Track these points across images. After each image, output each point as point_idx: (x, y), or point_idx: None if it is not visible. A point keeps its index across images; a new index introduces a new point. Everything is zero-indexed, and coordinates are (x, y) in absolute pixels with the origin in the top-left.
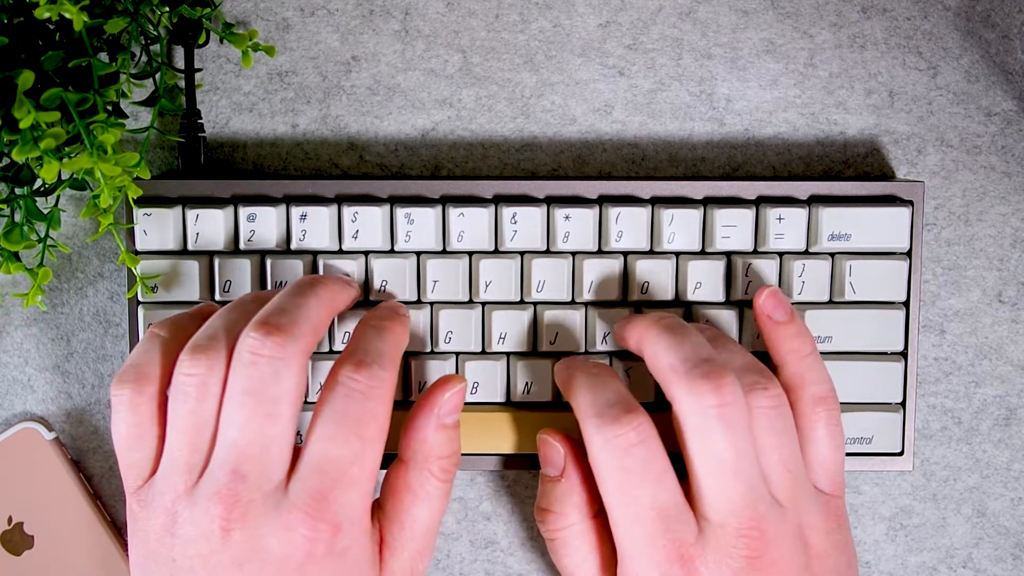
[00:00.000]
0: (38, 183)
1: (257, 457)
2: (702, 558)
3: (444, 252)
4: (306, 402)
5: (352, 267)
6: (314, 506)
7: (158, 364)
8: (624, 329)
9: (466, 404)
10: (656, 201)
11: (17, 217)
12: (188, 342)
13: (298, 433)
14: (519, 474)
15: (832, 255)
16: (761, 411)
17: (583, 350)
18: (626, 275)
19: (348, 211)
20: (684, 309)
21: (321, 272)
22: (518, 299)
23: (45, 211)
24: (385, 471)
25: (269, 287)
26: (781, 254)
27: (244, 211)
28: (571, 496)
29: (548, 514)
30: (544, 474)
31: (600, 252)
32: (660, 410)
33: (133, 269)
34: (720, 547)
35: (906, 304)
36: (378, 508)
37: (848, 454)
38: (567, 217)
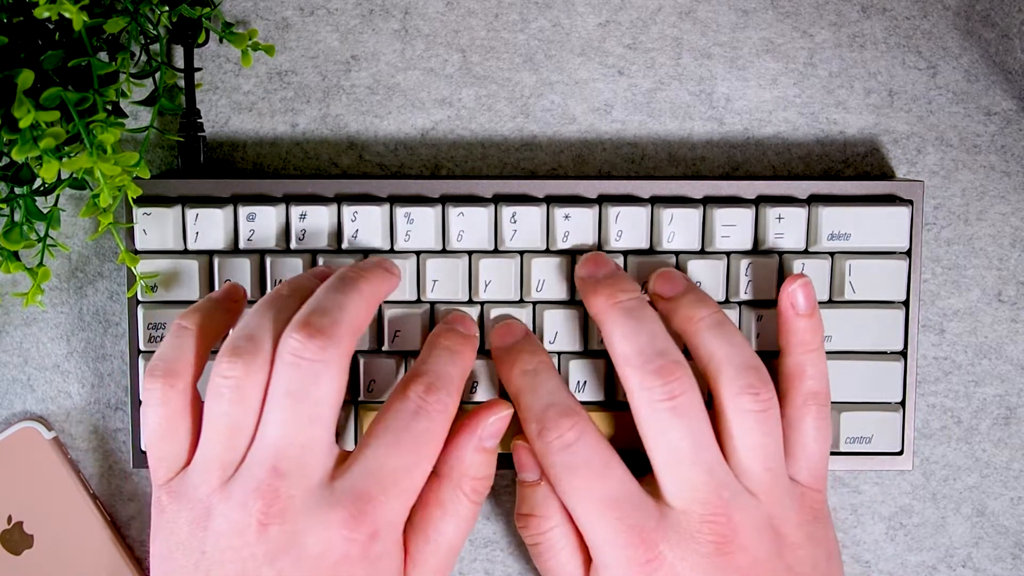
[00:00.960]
0: (38, 182)
1: (297, 457)
2: (666, 542)
3: (444, 251)
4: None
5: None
6: (357, 509)
7: (188, 357)
8: (585, 292)
9: (466, 404)
10: (656, 200)
11: (17, 216)
12: (226, 340)
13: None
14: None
15: (832, 255)
16: (749, 414)
17: (581, 350)
18: None
19: (348, 210)
20: None
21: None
22: (518, 298)
23: (45, 210)
24: None
25: (268, 287)
26: (781, 253)
27: (244, 210)
28: (551, 499)
29: (531, 519)
30: (522, 480)
31: (600, 252)
32: None
33: (133, 268)
34: (684, 532)
35: (906, 303)
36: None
37: (847, 453)
38: (567, 216)
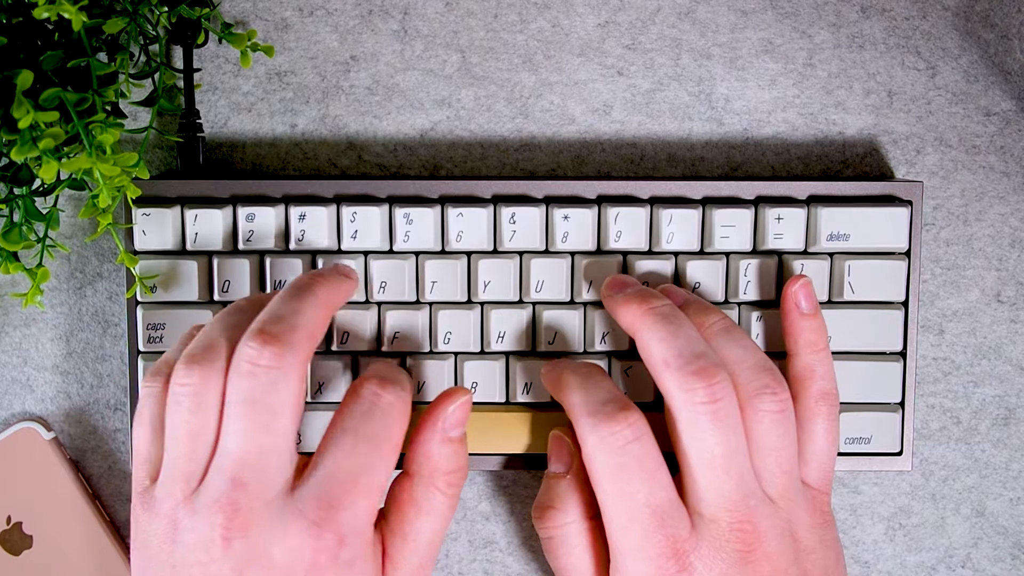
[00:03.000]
0: (37, 183)
1: (256, 466)
2: (696, 552)
3: (443, 252)
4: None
5: (348, 266)
6: (322, 514)
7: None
8: (616, 306)
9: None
10: (655, 201)
11: (16, 217)
12: (184, 350)
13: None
14: (518, 474)
15: (831, 255)
16: (766, 414)
17: (582, 350)
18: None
19: (347, 211)
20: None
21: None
22: (517, 299)
23: (44, 211)
24: (391, 483)
25: (268, 287)
26: (780, 254)
27: (243, 211)
28: (574, 494)
29: (549, 510)
30: (550, 471)
31: (599, 252)
32: (659, 410)
33: (132, 269)
34: (713, 541)
35: (905, 304)
36: (382, 519)
37: (847, 454)
38: (566, 217)
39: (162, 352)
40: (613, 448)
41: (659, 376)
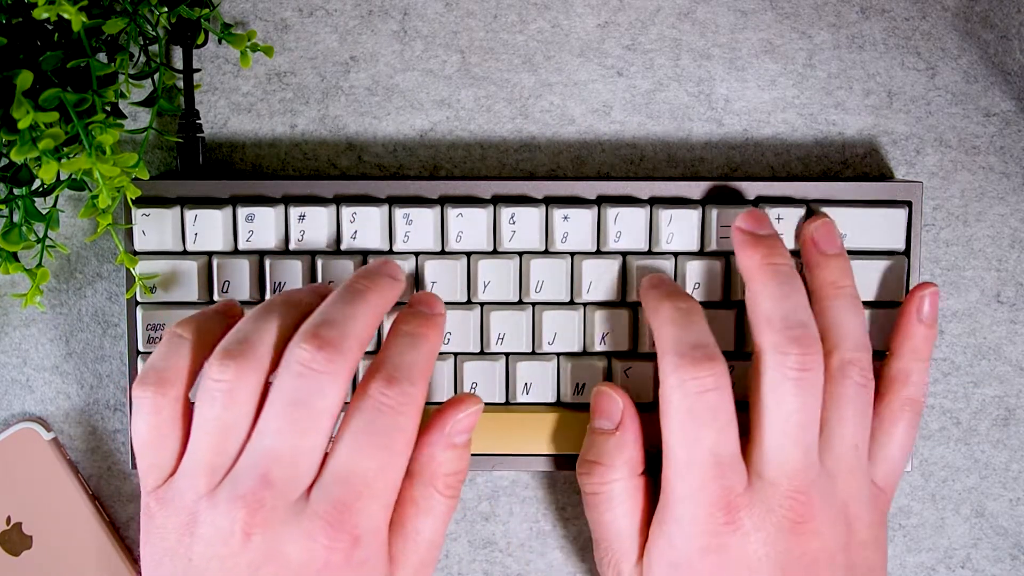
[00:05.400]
0: (37, 183)
1: (288, 466)
2: (748, 508)
3: (443, 252)
4: None
5: (351, 267)
6: (336, 516)
7: (181, 367)
8: (741, 246)
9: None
10: (655, 201)
11: (16, 217)
12: (217, 345)
13: None
14: (517, 474)
15: None
16: (851, 384)
17: (581, 350)
18: (625, 275)
19: (347, 211)
20: None
21: (319, 269)
22: (517, 299)
23: (44, 211)
24: None
25: (268, 287)
26: None
27: (243, 211)
28: (623, 450)
29: (596, 466)
30: (595, 427)
31: (599, 252)
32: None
33: (132, 269)
34: (767, 503)
35: None
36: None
37: None
38: (566, 217)
39: None
40: (691, 392)
41: (758, 331)
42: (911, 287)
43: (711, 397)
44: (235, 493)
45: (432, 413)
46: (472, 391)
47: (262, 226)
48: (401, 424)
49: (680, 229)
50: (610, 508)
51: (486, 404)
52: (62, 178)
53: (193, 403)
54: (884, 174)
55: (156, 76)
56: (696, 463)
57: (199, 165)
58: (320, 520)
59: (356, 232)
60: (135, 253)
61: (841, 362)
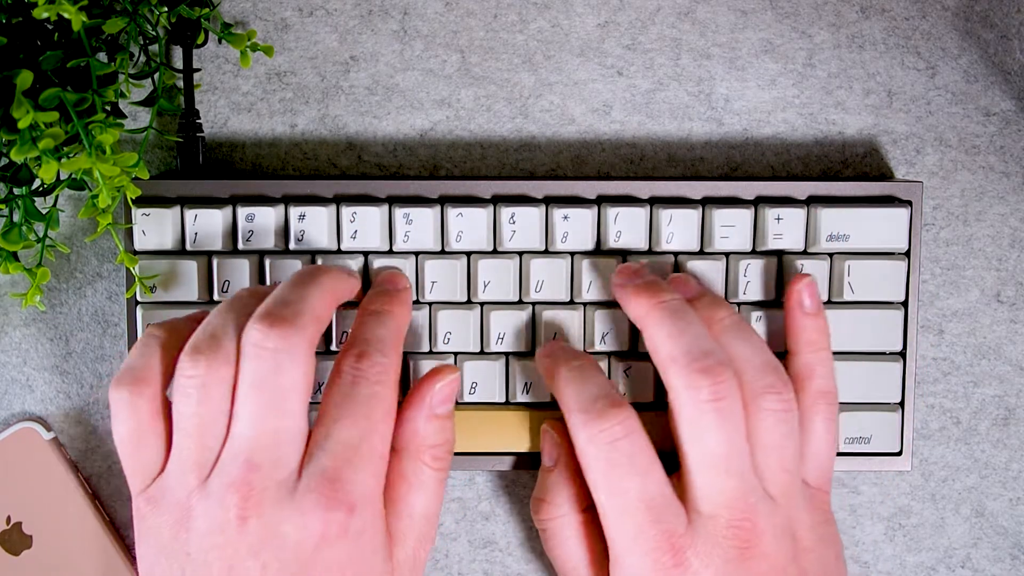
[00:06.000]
0: (37, 183)
1: (269, 447)
2: (692, 548)
3: (443, 252)
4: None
5: (351, 267)
6: (328, 487)
7: (155, 365)
8: (625, 297)
9: (465, 404)
10: (655, 201)
11: (16, 217)
12: (188, 342)
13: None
14: (517, 474)
15: (831, 255)
16: (770, 413)
17: (581, 350)
18: None
19: (347, 211)
20: None
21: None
22: (516, 299)
23: (44, 211)
24: None
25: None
26: (780, 254)
27: (243, 211)
28: (563, 487)
29: (542, 503)
30: (544, 465)
31: (599, 252)
32: (660, 408)
33: (132, 269)
34: (711, 537)
35: (905, 304)
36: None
37: (846, 454)
38: (566, 217)
39: None
40: (603, 444)
41: (665, 372)
42: (793, 287)
43: (623, 445)
44: (224, 482)
45: (412, 388)
46: (472, 391)
47: (262, 226)
48: (378, 392)
49: (680, 229)
50: (560, 543)
51: (486, 404)
52: (62, 178)
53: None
54: (884, 174)
55: (156, 76)
56: (628, 512)
57: (199, 165)
58: (312, 494)
59: (356, 232)
60: (135, 253)
61: (752, 394)
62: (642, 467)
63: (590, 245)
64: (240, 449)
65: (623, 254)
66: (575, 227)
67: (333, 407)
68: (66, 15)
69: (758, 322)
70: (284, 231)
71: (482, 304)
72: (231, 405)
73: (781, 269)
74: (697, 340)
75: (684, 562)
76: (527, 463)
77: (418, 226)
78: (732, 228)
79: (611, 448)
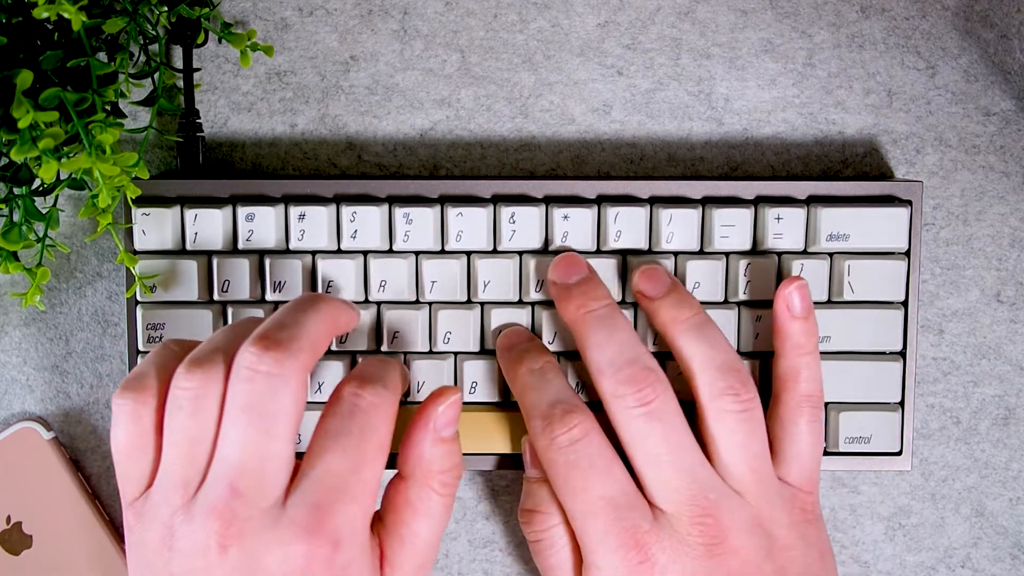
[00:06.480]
0: (37, 183)
1: (254, 473)
2: (658, 544)
3: (442, 252)
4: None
5: (351, 267)
6: (313, 521)
7: (164, 378)
8: (556, 301)
9: (465, 404)
10: (655, 201)
11: (16, 217)
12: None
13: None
14: (517, 473)
15: (831, 255)
16: (730, 414)
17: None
18: (625, 275)
19: (347, 211)
20: None
21: (319, 269)
22: (516, 299)
23: (44, 211)
24: (385, 486)
25: (268, 287)
26: (780, 254)
27: (243, 211)
28: (554, 497)
29: (534, 515)
30: (529, 476)
31: (599, 252)
32: None
33: (132, 269)
34: (676, 534)
35: (904, 304)
36: (378, 522)
37: (846, 454)
38: (565, 217)
39: None
40: (563, 447)
41: (595, 381)
42: (782, 290)
43: (581, 447)
44: (207, 506)
45: (414, 412)
46: (471, 391)
47: (262, 225)
48: (374, 424)
49: (680, 228)
50: (552, 553)
51: (485, 404)
52: (62, 177)
53: None
54: (884, 173)
55: (156, 75)
56: (592, 512)
57: (199, 164)
58: (297, 526)
59: (356, 231)
60: (135, 252)
61: (711, 395)
62: (602, 467)
63: (590, 245)
64: (224, 473)
65: (623, 254)
66: (575, 227)
67: (326, 436)
68: (66, 15)
69: (758, 322)
70: (284, 231)
71: (482, 304)
72: (219, 422)
73: (781, 269)
74: (622, 349)
75: (650, 558)
76: None
77: (418, 226)
78: (732, 228)
79: (571, 450)
